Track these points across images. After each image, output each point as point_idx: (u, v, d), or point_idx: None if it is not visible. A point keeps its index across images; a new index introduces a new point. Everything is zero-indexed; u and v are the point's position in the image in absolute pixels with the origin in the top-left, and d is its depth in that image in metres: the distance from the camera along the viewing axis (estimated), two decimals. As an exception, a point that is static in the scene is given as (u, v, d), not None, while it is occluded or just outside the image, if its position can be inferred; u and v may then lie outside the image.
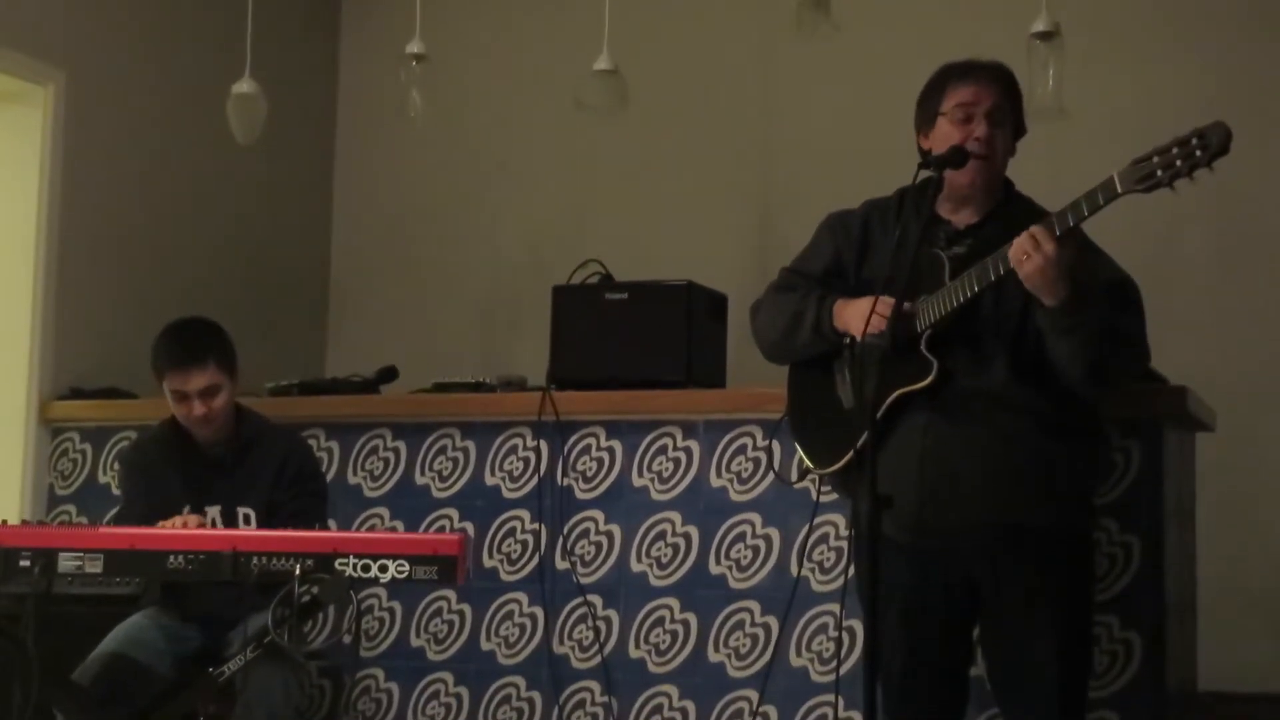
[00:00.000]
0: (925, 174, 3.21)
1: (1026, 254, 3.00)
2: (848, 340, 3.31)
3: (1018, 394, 3.17)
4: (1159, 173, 2.87)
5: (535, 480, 4.47)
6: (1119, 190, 2.92)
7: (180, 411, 4.06)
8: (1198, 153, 2.83)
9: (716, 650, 4.24)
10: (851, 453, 3.25)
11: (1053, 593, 3.22)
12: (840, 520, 4.03)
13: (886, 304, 3.07)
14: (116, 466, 4.68)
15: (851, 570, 3.49)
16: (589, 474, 4.43)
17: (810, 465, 3.49)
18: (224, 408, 4.06)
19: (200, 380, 4.01)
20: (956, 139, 3.22)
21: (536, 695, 4.41)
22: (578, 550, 4.41)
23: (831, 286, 3.40)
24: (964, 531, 3.21)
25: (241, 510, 3.91)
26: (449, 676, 4.50)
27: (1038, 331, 3.17)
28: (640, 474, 4.38)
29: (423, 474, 4.60)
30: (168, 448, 4.15)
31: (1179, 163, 2.85)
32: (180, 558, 3.22)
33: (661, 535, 4.34)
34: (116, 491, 4.64)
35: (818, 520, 4.03)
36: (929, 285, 3.20)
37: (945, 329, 3.19)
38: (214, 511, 3.97)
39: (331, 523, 4.31)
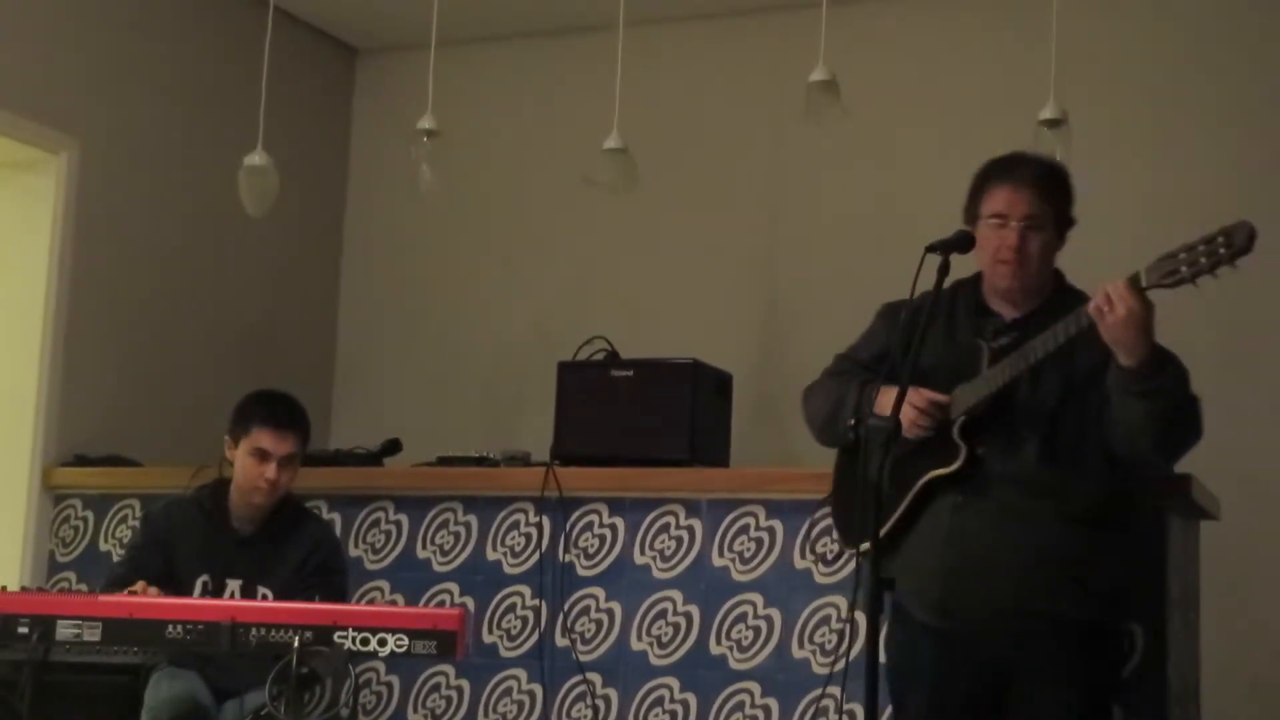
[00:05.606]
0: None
1: (1110, 305, 2.95)
2: (851, 422, 3.32)
3: (1049, 481, 3.17)
4: (1183, 269, 2.89)
5: (537, 556, 4.45)
6: (1144, 284, 2.94)
7: (253, 471, 4.02)
8: (1222, 250, 2.85)
9: (716, 731, 4.22)
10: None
11: (1080, 684, 3.19)
12: (842, 602, 4.01)
13: (917, 394, 3.12)
14: (136, 524, 4.63)
15: (858, 649, 3.47)
16: (591, 550, 4.42)
17: (841, 543, 3.54)
18: (290, 483, 4.08)
19: (289, 446, 4.04)
20: (992, 244, 3.24)
21: (534, 774, 4.38)
22: (578, 627, 4.39)
23: (880, 373, 3.39)
24: (987, 616, 3.20)
25: (261, 589, 3.90)
26: (446, 753, 4.47)
27: (1079, 417, 3.16)
28: (642, 552, 4.36)
29: (424, 548, 4.59)
30: (203, 515, 4.11)
31: (1203, 260, 2.86)
32: (179, 627, 3.20)
33: (662, 614, 4.32)
34: (120, 553, 4.62)
35: (820, 602, 4.02)
36: (968, 374, 3.23)
37: (981, 416, 3.20)
38: (234, 586, 3.96)
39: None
